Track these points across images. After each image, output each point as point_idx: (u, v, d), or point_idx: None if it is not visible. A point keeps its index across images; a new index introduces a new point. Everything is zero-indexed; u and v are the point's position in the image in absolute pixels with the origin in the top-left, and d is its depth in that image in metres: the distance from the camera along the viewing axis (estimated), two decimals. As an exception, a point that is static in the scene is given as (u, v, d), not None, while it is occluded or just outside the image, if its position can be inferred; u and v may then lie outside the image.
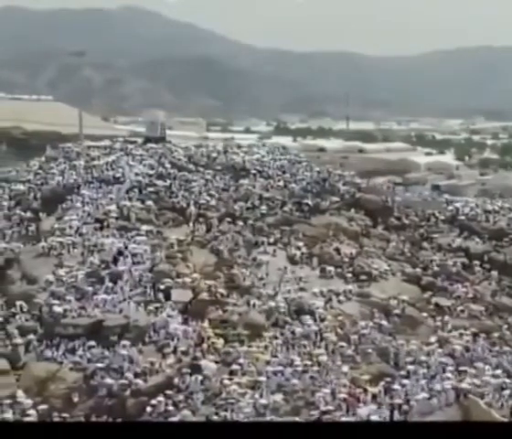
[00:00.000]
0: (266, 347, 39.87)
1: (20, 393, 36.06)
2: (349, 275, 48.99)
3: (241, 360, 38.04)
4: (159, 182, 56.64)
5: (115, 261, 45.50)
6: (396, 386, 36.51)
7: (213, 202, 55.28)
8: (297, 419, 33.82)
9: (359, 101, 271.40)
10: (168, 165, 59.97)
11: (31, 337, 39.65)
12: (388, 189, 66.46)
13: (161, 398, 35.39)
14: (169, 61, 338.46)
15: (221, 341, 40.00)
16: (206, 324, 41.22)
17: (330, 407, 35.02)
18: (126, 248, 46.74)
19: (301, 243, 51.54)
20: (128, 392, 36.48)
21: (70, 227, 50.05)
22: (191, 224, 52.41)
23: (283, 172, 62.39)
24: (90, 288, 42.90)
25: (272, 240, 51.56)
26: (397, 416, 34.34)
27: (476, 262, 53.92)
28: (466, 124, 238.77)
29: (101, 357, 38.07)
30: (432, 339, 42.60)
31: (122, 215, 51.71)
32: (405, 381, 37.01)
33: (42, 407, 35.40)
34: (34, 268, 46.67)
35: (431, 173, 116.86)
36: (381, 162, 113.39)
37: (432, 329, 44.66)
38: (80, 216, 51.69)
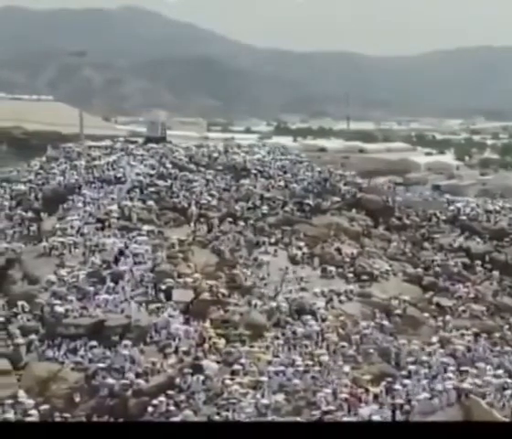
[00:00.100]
0: (267, 348, 39.88)
1: (22, 393, 36.07)
2: (350, 275, 49.00)
3: (243, 360, 38.05)
4: (160, 182, 56.66)
5: (116, 261, 45.53)
6: (397, 386, 36.52)
7: (214, 202, 55.29)
8: (299, 419, 33.82)
9: (359, 101, 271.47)
10: (169, 165, 60.01)
11: (33, 337, 39.67)
12: (389, 189, 66.48)
13: (162, 398, 35.40)
14: (169, 61, 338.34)
15: (223, 341, 40.00)
16: (207, 324, 41.23)
17: (331, 407, 35.02)
18: (127, 248, 46.79)
19: (302, 243, 51.55)
20: (129, 392, 36.49)
21: (72, 227, 50.07)
22: (192, 224, 52.42)
23: (284, 172, 62.41)
24: (92, 288, 42.94)
25: (273, 240, 51.57)
26: (399, 416, 34.33)
27: (478, 262, 53.93)
28: (466, 124, 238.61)
29: (103, 357, 38.10)
30: (434, 339, 42.61)
31: (123, 215, 51.74)
32: (406, 381, 37.03)
33: (44, 407, 35.42)
34: (35, 268, 46.69)
35: (431, 173, 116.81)
36: (382, 162, 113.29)
37: (434, 329, 44.66)
38: (82, 216, 51.71)
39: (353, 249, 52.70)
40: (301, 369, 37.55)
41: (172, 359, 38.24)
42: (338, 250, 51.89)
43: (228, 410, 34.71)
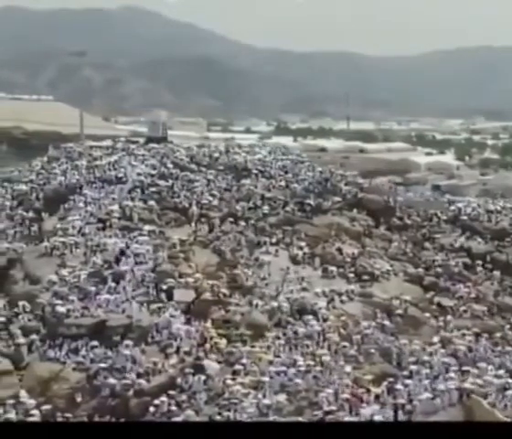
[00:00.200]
0: (269, 348, 39.86)
1: (23, 393, 36.10)
2: (351, 275, 48.97)
3: (244, 360, 38.05)
4: (161, 182, 56.63)
5: (118, 261, 45.52)
6: (399, 386, 36.50)
7: (215, 202, 55.27)
8: (300, 419, 33.81)
9: (359, 101, 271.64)
10: (170, 165, 59.97)
11: (34, 337, 39.66)
12: (389, 189, 66.42)
13: (164, 398, 35.41)
14: (169, 61, 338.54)
15: (224, 341, 39.99)
16: (208, 324, 41.23)
17: (333, 407, 35.02)
18: (129, 248, 46.77)
19: (303, 243, 51.53)
20: (131, 392, 36.49)
21: (73, 227, 50.04)
22: (193, 224, 52.40)
23: (285, 172, 62.37)
24: (93, 288, 42.92)
25: (274, 240, 51.53)
26: (401, 416, 34.32)
27: (479, 262, 53.90)
28: (466, 124, 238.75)
29: (104, 357, 38.09)
30: (435, 339, 42.60)
31: (124, 215, 51.73)
32: (408, 381, 37.01)
33: (45, 407, 35.42)
34: (37, 268, 46.67)
35: (431, 173, 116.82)
36: (382, 162, 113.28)
37: (435, 329, 44.65)
38: (83, 216, 51.69)
39: (354, 249, 52.68)
40: (302, 369, 37.52)
41: (173, 359, 38.24)
42: (339, 250, 51.88)
43: (229, 410, 34.70)
